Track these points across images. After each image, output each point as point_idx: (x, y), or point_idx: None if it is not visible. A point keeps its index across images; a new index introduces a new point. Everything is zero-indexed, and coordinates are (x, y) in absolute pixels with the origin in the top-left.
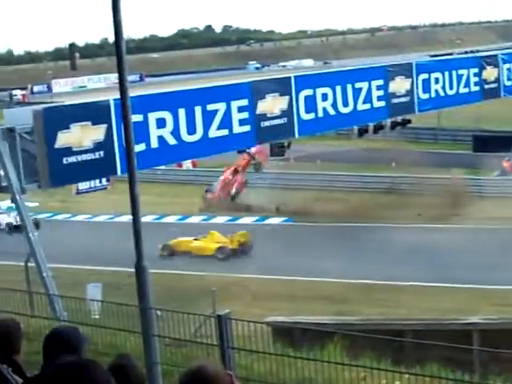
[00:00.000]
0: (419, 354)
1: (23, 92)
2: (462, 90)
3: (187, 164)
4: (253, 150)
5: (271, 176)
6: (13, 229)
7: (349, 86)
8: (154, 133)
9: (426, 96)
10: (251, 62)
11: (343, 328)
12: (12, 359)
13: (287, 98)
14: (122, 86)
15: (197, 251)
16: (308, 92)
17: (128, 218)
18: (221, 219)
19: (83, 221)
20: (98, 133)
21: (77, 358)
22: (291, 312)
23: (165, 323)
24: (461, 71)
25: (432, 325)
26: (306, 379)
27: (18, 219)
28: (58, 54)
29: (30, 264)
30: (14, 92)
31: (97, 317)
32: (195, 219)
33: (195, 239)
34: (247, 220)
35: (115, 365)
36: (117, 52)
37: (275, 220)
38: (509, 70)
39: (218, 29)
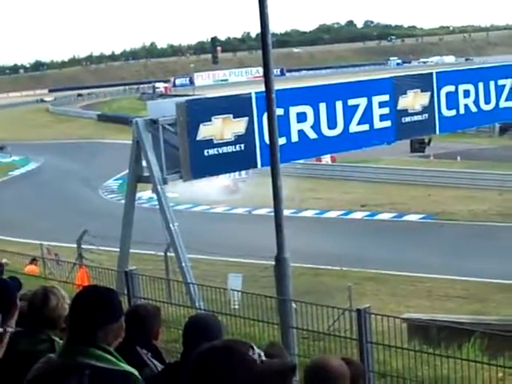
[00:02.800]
0: None
1: (165, 85)
2: None
3: (326, 158)
4: None
5: (409, 172)
6: None
7: (491, 83)
8: (295, 127)
9: None
10: (392, 58)
11: (480, 327)
12: (151, 344)
13: (428, 94)
14: (267, 79)
15: None
16: (450, 88)
17: (266, 211)
18: (358, 215)
19: (222, 212)
20: (239, 126)
21: (228, 340)
22: (427, 309)
23: (299, 316)
24: None
25: None
26: (443, 377)
27: None
28: (200, 48)
29: (169, 254)
30: (157, 85)
31: (236, 307)
32: (333, 214)
33: None
34: (386, 216)
35: (268, 353)
36: (262, 46)
37: (414, 217)
38: None
39: (359, 24)
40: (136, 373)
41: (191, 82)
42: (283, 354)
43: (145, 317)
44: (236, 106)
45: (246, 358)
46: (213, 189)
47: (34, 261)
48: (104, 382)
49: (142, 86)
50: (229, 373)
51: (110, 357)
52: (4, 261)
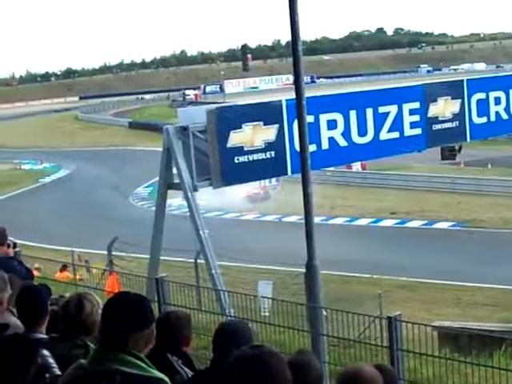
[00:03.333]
0: None
1: (196, 92)
2: None
3: (356, 166)
4: None
5: (439, 180)
6: None
7: None
8: (325, 134)
9: None
10: (423, 66)
11: (511, 335)
12: (182, 351)
13: (459, 101)
14: (298, 86)
15: None
16: (480, 96)
17: (296, 218)
18: (388, 222)
19: (252, 220)
20: (269, 133)
21: (255, 347)
22: (457, 317)
23: (329, 323)
24: None
25: None
26: None
27: None
28: (230, 55)
29: (199, 261)
30: (187, 92)
31: (266, 314)
32: (363, 221)
33: None
34: (416, 223)
35: (296, 359)
36: (293, 53)
37: (444, 224)
38: None
39: (389, 31)
40: (167, 379)
41: (221, 89)
42: (313, 362)
43: (176, 324)
44: (266, 113)
45: (272, 364)
46: (236, 198)
47: (64, 267)
48: None
49: (172, 93)
50: (255, 380)
51: (140, 363)
52: (36, 265)
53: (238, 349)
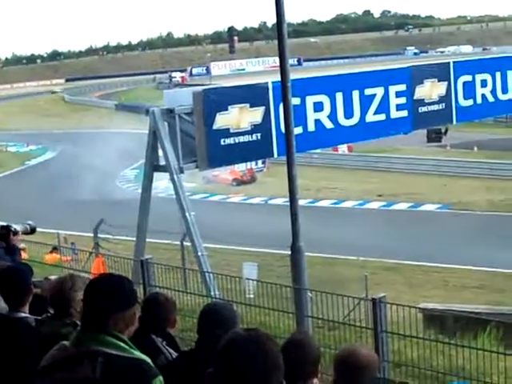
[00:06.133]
0: None
1: (182, 74)
2: None
3: (343, 148)
4: None
5: (425, 162)
6: None
7: (509, 73)
8: (312, 116)
9: None
10: (409, 48)
11: (497, 317)
12: (166, 332)
13: (445, 83)
14: (283, 68)
15: None
16: (467, 78)
17: (282, 200)
18: (375, 205)
19: (238, 202)
20: (255, 115)
21: (250, 329)
22: (443, 299)
23: (315, 305)
24: None
25: None
26: (458, 367)
27: None
28: (216, 37)
29: (185, 243)
30: (174, 74)
31: (251, 296)
32: (349, 204)
33: None
34: (403, 206)
35: (296, 339)
36: (278, 35)
37: (430, 207)
38: None
39: (376, 14)
40: (149, 360)
41: (208, 71)
42: (312, 341)
43: (166, 305)
44: (253, 95)
45: (267, 347)
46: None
47: (54, 249)
48: (117, 369)
49: (158, 75)
50: (251, 362)
51: (122, 344)
52: (21, 246)
53: (221, 330)
